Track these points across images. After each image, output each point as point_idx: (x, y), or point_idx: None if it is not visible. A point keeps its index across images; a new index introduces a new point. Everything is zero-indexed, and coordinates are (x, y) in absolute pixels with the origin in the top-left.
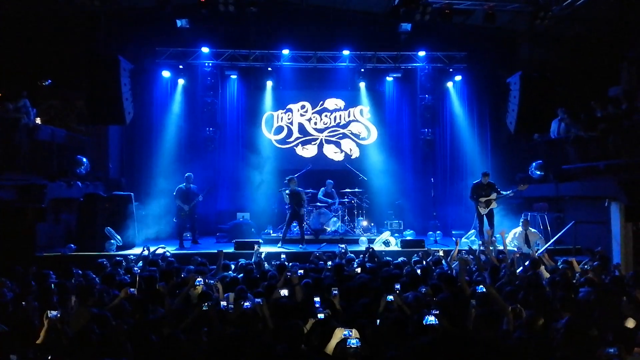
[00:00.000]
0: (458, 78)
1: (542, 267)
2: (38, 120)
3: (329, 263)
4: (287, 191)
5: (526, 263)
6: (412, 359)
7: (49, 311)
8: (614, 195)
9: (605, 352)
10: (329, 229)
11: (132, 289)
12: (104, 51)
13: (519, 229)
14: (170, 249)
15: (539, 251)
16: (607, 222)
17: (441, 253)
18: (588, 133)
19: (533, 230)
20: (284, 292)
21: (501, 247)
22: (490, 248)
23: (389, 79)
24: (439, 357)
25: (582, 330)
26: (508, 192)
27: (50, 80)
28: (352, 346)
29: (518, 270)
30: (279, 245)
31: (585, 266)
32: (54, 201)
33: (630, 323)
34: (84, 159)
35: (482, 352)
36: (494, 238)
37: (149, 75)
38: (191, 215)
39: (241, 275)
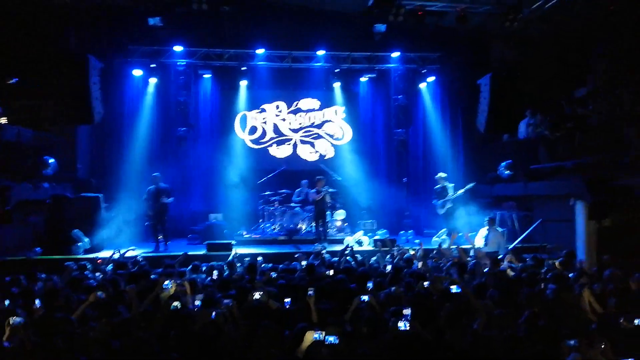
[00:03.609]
0: (431, 79)
1: (507, 265)
2: (4, 120)
3: (303, 263)
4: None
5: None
6: (383, 355)
7: (11, 317)
8: (579, 193)
9: (567, 344)
10: (303, 229)
11: (100, 293)
12: (72, 49)
13: (485, 229)
14: (142, 252)
15: (508, 248)
16: (573, 220)
17: (411, 252)
18: (554, 133)
19: (499, 229)
20: (257, 294)
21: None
22: (452, 247)
23: (363, 79)
24: (409, 354)
25: (544, 324)
26: (457, 193)
27: (16, 79)
28: (331, 343)
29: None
30: (321, 245)
31: (550, 262)
32: (20, 203)
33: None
34: (51, 160)
35: (451, 352)
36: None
37: (120, 74)
38: (160, 217)
39: (209, 278)
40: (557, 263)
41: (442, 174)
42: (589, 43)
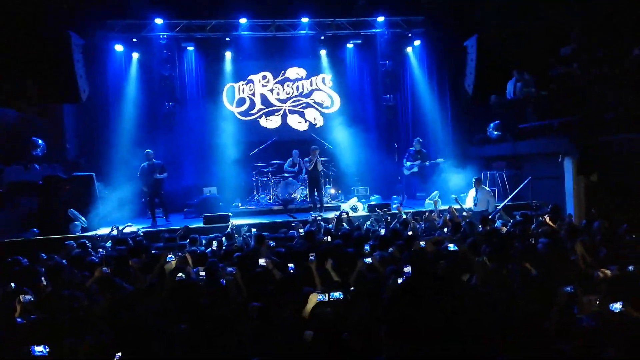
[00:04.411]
0: (417, 43)
1: (499, 222)
2: None
3: (301, 230)
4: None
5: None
6: (383, 313)
7: (21, 296)
8: (567, 151)
9: (563, 289)
10: (297, 198)
11: (105, 268)
12: (52, 27)
13: (474, 190)
14: (141, 227)
15: (498, 207)
16: (561, 176)
17: (404, 216)
18: (540, 92)
19: (486, 188)
20: (263, 261)
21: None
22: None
23: (349, 45)
24: (408, 306)
25: (537, 277)
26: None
27: None
28: (336, 299)
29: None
30: (316, 212)
31: (540, 218)
32: (11, 185)
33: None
34: (40, 141)
35: (450, 300)
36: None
37: (101, 50)
38: (155, 192)
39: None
40: (546, 218)
41: (419, 139)
42: (571, 1)
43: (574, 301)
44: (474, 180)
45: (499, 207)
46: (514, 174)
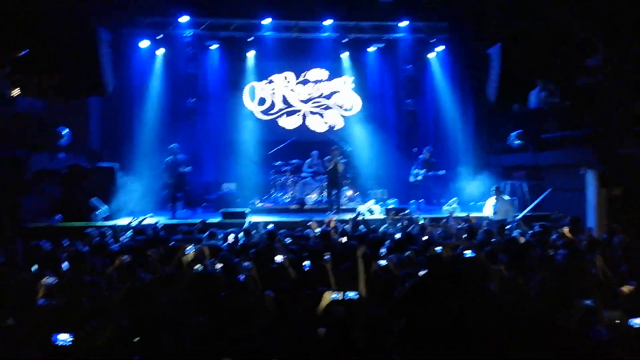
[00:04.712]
0: (440, 49)
1: (517, 232)
2: (16, 92)
3: (317, 230)
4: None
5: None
6: (397, 309)
7: (45, 278)
8: (590, 163)
9: (583, 303)
10: (314, 199)
11: (125, 257)
12: (81, 21)
13: (493, 199)
14: (160, 219)
15: (517, 217)
16: (583, 189)
17: (421, 221)
18: (564, 102)
19: (506, 197)
20: (279, 257)
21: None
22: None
23: (371, 49)
24: (419, 306)
25: (554, 287)
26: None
27: (26, 51)
28: (351, 299)
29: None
30: (333, 213)
31: (560, 230)
32: (37, 173)
33: (626, 289)
34: (65, 131)
35: (462, 302)
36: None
37: (128, 46)
38: (180, 186)
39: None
40: (566, 230)
41: (430, 149)
42: (600, 11)
43: (593, 315)
44: (493, 188)
45: (518, 217)
46: (535, 185)
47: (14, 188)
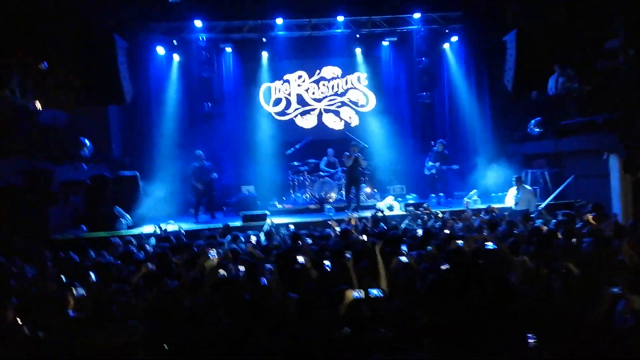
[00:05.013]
0: (454, 39)
1: (541, 221)
2: (38, 105)
3: (337, 229)
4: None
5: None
6: (420, 305)
7: (74, 289)
8: (613, 148)
9: (610, 291)
10: (333, 197)
11: (150, 264)
12: (98, 30)
13: (514, 189)
14: (183, 225)
15: (540, 206)
16: (606, 174)
17: (440, 215)
18: (584, 87)
19: (527, 187)
20: (301, 259)
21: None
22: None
23: (385, 43)
24: (443, 301)
25: (581, 277)
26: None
27: (45, 63)
28: (375, 297)
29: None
30: (352, 211)
31: (584, 217)
32: (62, 184)
33: None
34: (87, 141)
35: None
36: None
37: (144, 52)
38: (208, 192)
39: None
40: (589, 217)
41: (442, 141)
42: None
43: (620, 302)
44: (514, 178)
45: (541, 207)
46: (556, 172)
47: (41, 200)
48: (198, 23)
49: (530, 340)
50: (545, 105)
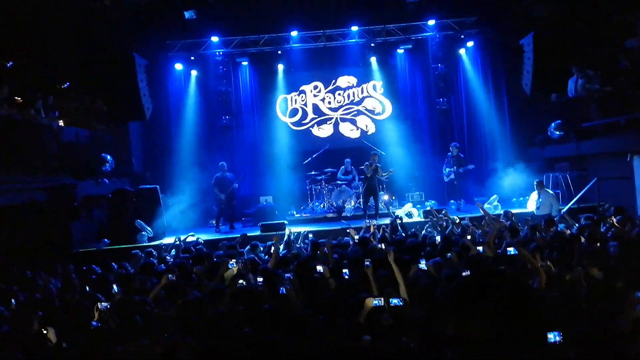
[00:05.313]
0: (470, 44)
1: (563, 226)
2: (61, 123)
3: (355, 237)
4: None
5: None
6: (442, 312)
7: (99, 303)
8: (637, 149)
9: (636, 295)
10: (351, 205)
11: (171, 275)
12: (118, 49)
13: (536, 193)
14: (202, 236)
15: (562, 210)
16: (631, 176)
17: (458, 221)
18: (605, 88)
19: (549, 191)
20: (320, 268)
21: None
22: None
23: (400, 51)
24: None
25: (607, 282)
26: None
27: (67, 83)
28: (395, 305)
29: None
30: (369, 219)
31: (609, 221)
32: (85, 199)
33: None
34: (109, 157)
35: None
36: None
37: (162, 69)
38: (229, 202)
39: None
40: (614, 220)
41: (456, 144)
42: None
43: None
44: (536, 182)
45: (563, 211)
46: (579, 175)
47: (64, 215)
48: (215, 39)
49: (555, 339)
50: (566, 107)
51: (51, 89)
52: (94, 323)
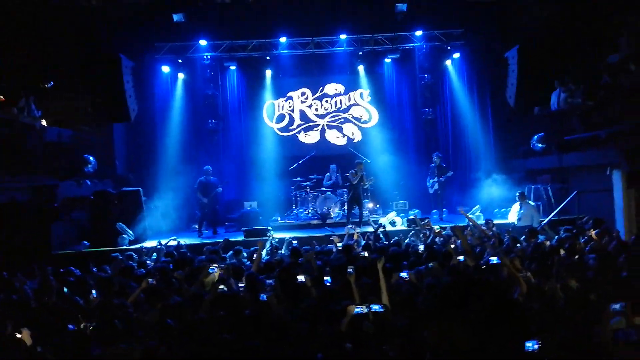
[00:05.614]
0: (456, 55)
1: (543, 237)
2: (44, 122)
3: (339, 244)
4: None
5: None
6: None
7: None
8: (616, 162)
9: (612, 308)
10: (336, 213)
11: (150, 279)
12: (104, 50)
13: (517, 204)
14: (185, 240)
15: (543, 222)
16: (610, 189)
17: (439, 230)
18: (588, 102)
19: (531, 202)
20: (302, 277)
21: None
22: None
23: (387, 60)
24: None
25: (583, 294)
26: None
27: (52, 83)
28: (376, 312)
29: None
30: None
31: (587, 234)
32: (66, 200)
33: None
34: (91, 158)
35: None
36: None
37: (149, 71)
38: (212, 206)
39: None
40: (592, 233)
41: (438, 154)
42: (620, 7)
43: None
44: (518, 194)
45: (544, 223)
46: (560, 188)
47: (45, 216)
48: (203, 42)
49: (532, 347)
50: (549, 120)
51: (36, 89)
52: (70, 326)
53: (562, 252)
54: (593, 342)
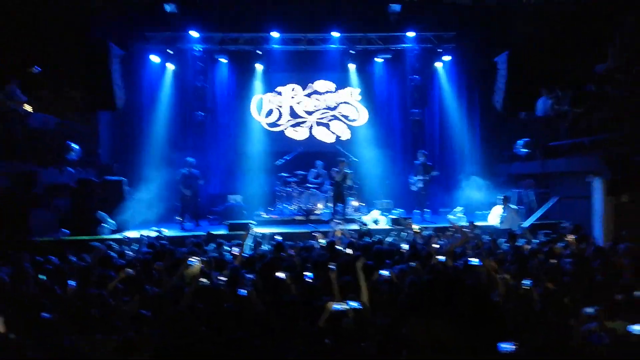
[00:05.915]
0: (447, 58)
1: (523, 241)
2: (29, 108)
3: (322, 241)
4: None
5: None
6: (402, 319)
7: None
8: (598, 170)
9: (585, 311)
10: (320, 209)
11: (129, 270)
12: (93, 37)
13: (500, 207)
14: (167, 232)
15: (523, 226)
16: (590, 196)
17: (419, 230)
18: (575, 110)
19: (513, 206)
20: (281, 274)
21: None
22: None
23: (379, 60)
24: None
25: (558, 297)
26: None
27: (38, 68)
28: (354, 308)
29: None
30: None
31: (565, 238)
32: (47, 187)
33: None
34: (75, 145)
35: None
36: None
37: (138, 61)
38: (194, 198)
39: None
40: (571, 238)
41: (424, 152)
42: (609, 18)
43: (595, 322)
44: (502, 198)
45: (524, 226)
46: (542, 193)
47: (24, 202)
48: (194, 34)
49: (507, 348)
50: (534, 126)
51: (22, 74)
52: (45, 315)
53: (541, 255)
54: (567, 345)
